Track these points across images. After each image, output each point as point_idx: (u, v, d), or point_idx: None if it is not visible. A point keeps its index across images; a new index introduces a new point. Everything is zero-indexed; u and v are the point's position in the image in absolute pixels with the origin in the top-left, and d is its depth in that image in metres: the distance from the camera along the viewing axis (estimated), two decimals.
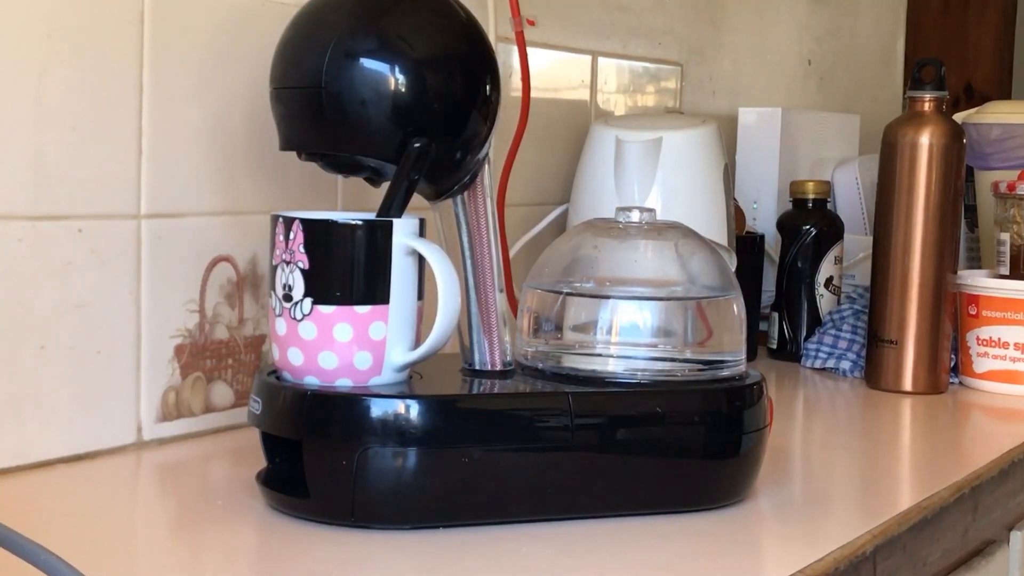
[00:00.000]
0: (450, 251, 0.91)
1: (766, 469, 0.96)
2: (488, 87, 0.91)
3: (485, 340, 0.93)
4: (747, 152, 1.77)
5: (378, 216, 0.86)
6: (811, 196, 1.58)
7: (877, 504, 0.98)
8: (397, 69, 0.87)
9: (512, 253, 1.38)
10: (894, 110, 2.21)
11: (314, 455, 0.84)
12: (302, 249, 0.85)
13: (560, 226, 1.45)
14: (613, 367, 0.93)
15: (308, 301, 0.85)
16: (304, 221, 0.85)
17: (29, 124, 0.92)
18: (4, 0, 0.90)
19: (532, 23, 1.35)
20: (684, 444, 0.90)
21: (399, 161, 0.87)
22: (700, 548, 0.84)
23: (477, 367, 0.94)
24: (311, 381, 0.86)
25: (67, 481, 0.93)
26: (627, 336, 0.93)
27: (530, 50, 1.34)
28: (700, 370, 0.94)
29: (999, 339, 1.43)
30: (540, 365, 0.94)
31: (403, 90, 0.86)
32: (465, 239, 0.93)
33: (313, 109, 0.87)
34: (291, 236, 0.85)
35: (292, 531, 0.83)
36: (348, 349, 0.85)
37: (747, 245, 1.54)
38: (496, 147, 0.95)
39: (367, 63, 0.87)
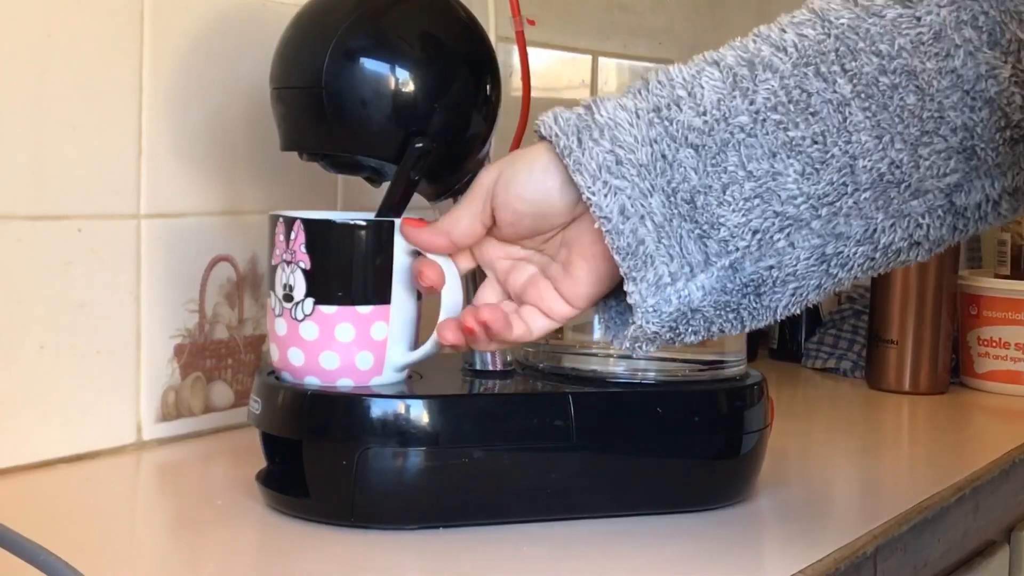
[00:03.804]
0: None
1: (766, 469, 0.96)
2: (488, 87, 0.91)
3: None
4: None
5: (378, 216, 0.86)
6: None
7: (877, 504, 0.98)
8: (397, 69, 0.87)
9: None
10: None
11: (314, 455, 0.84)
12: (303, 249, 0.85)
13: None
14: (613, 367, 0.93)
15: (310, 301, 0.85)
16: (305, 221, 0.85)
17: (29, 124, 0.92)
18: (4, 0, 0.90)
19: (532, 23, 1.34)
20: (684, 444, 0.90)
21: (400, 161, 0.87)
22: (700, 548, 0.84)
23: (477, 367, 0.94)
24: (312, 381, 0.85)
25: (67, 481, 0.93)
26: None
27: (530, 50, 1.34)
28: (700, 370, 0.94)
29: (1000, 339, 1.43)
30: (540, 365, 0.94)
31: (403, 90, 0.86)
32: None
33: (314, 109, 0.87)
34: (292, 236, 0.85)
35: (292, 531, 0.83)
36: (350, 349, 0.85)
37: None
38: (496, 147, 0.95)
39: (367, 63, 0.87)
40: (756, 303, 0.76)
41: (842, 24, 0.73)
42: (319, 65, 0.86)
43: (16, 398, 0.93)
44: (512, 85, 1.35)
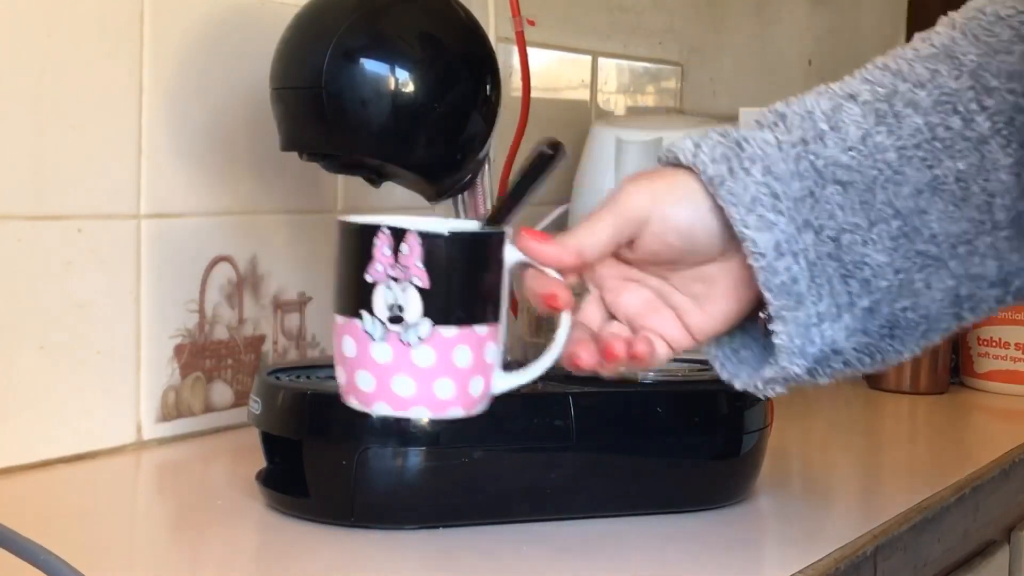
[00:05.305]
0: None
1: (766, 469, 0.96)
2: (488, 87, 0.91)
3: None
4: None
5: (489, 224, 0.75)
6: None
7: (877, 504, 0.98)
8: (397, 69, 0.87)
9: None
10: None
11: (314, 455, 0.84)
12: (419, 264, 0.72)
13: (560, 226, 1.44)
14: None
15: (427, 323, 0.72)
16: (422, 234, 0.71)
17: (29, 124, 0.92)
18: (4, 0, 0.90)
19: (532, 23, 1.35)
20: (684, 444, 0.90)
21: (400, 160, 0.87)
22: (700, 548, 0.84)
23: None
24: (420, 412, 0.75)
25: (67, 481, 0.93)
26: None
27: (530, 50, 1.34)
28: (700, 370, 0.94)
29: (1000, 339, 1.43)
30: None
31: (403, 90, 0.86)
32: None
33: (314, 109, 0.87)
34: (402, 250, 0.72)
35: (292, 531, 0.83)
36: (465, 375, 0.73)
37: None
38: (496, 147, 0.95)
39: (367, 63, 0.87)
40: (890, 345, 0.73)
41: (972, 62, 0.71)
42: (319, 65, 0.86)
43: (16, 398, 0.93)
44: (512, 85, 1.35)
